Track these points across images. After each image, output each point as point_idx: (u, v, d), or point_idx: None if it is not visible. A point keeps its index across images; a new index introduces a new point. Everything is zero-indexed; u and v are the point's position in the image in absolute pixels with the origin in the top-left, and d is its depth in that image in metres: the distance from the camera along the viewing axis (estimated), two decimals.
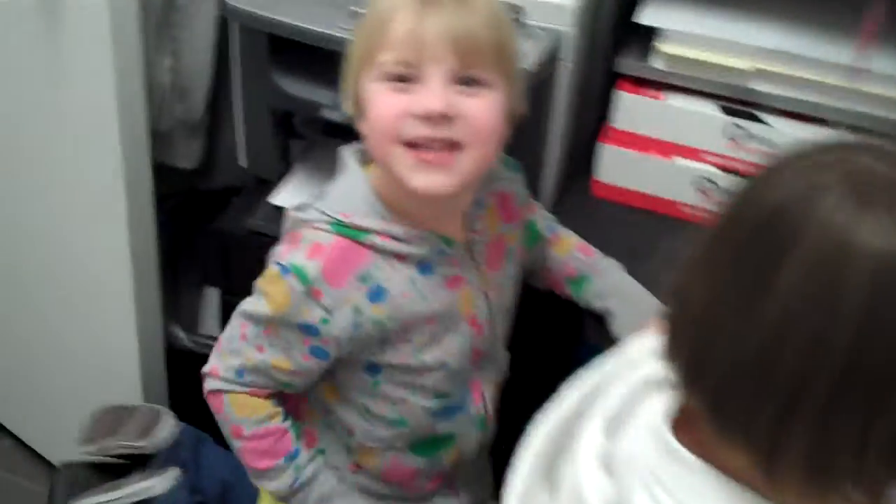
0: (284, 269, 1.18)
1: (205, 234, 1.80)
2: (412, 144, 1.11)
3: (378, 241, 1.18)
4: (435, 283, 1.23)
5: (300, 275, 1.17)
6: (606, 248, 1.52)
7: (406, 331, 1.22)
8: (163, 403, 1.88)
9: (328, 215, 1.18)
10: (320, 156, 1.76)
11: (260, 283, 1.24)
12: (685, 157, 1.64)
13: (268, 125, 1.71)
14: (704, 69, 1.59)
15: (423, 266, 1.22)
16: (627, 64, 1.64)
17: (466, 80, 1.11)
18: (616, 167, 1.68)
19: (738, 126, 1.59)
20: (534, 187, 1.61)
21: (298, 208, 1.25)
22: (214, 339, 1.32)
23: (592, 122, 1.71)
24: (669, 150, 1.64)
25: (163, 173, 1.83)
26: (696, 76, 1.60)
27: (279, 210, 1.63)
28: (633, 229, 1.64)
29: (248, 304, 1.24)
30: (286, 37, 1.53)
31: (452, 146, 1.11)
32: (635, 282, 1.46)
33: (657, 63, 1.62)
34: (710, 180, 1.63)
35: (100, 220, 1.74)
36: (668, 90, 1.64)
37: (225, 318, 1.34)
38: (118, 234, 1.75)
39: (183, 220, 2.13)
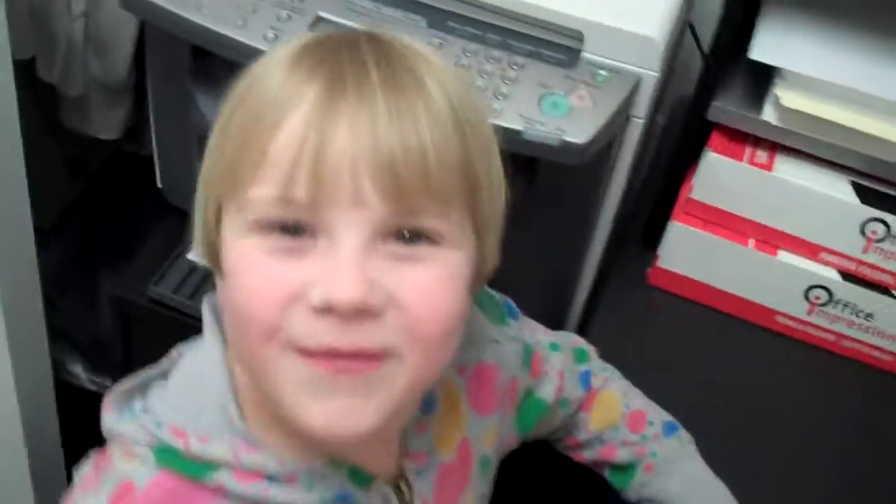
0: None
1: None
2: (308, 352, 0.64)
3: (233, 481, 0.70)
4: None
5: None
6: (658, 366, 1.10)
7: None
8: (54, 449, 1.56)
9: (150, 431, 0.70)
10: None
11: None
12: (794, 251, 1.17)
13: (188, 147, 1.18)
14: (838, 132, 1.09)
15: None
16: (725, 113, 1.10)
17: (405, 235, 0.64)
18: (688, 253, 1.19)
19: (876, 219, 1.11)
20: (573, 273, 1.11)
21: (117, 400, 0.74)
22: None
23: (660, 186, 1.19)
24: (772, 238, 1.16)
25: (74, 136, 1.55)
26: (825, 140, 1.11)
27: (198, 270, 1.16)
28: (703, 339, 1.20)
29: None
30: (208, 49, 1.00)
31: (378, 354, 0.64)
32: (713, 480, 0.97)
33: (770, 116, 1.09)
34: (825, 288, 1.12)
35: None
36: (780, 154, 1.13)
37: None
38: None
39: (106, 191, 1.76)
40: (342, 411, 0.64)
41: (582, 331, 1.19)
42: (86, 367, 1.70)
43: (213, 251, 0.69)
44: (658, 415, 0.99)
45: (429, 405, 0.80)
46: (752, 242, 1.15)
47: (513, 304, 0.91)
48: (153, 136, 1.23)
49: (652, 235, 1.23)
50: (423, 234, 0.63)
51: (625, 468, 0.98)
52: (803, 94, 1.07)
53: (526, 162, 1.05)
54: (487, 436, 0.86)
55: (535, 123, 0.95)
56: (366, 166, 0.60)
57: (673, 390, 1.09)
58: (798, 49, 1.09)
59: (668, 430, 0.98)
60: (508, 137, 0.93)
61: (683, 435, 0.99)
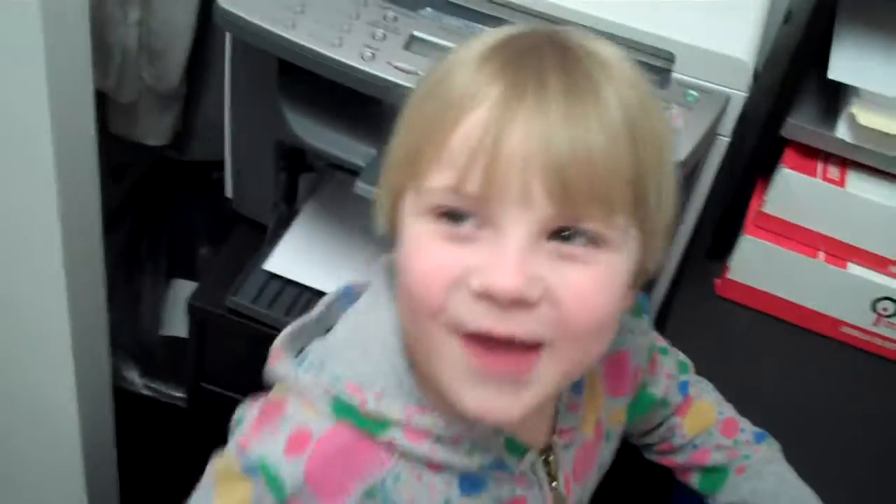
0: (249, 467, 0.74)
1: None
2: (468, 335, 0.68)
3: (403, 439, 0.74)
4: None
5: (271, 481, 0.73)
6: (726, 374, 1.10)
7: None
8: (108, 454, 1.60)
9: (334, 382, 0.75)
10: (338, 195, 1.27)
11: (214, 470, 0.77)
12: (864, 264, 1.19)
13: (267, 160, 1.20)
14: None
15: (470, 482, 0.77)
16: (800, 129, 1.13)
17: (569, 235, 0.67)
18: (758, 264, 1.22)
19: None
20: (651, 285, 1.16)
21: (290, 342, 0.79)
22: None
23: (729, 200, 1.21)
24: (841, 251, 1.18)
25: (119, 142, 1.56)
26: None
27: (275, 279, 1.17)
28: (769, 348, 1.23)
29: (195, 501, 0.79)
30: (304, 66, 1.02)
31: (531, 346, 0.67)
32: (802, 484, 1.00)
33: (843, 133, 1.11)
34: (893, 300, 1.15)
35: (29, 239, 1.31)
36: (853, 171, 1.15)
37: None
38: (52, 256, 1.30)
39: (149, 197, 1.83)
40: (495, 401, 0.68)
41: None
42: (141, 373, 1.71)
43: (393, 226, 0.73)
44: (749, 425, 1.02)
45: (579, 386, 0.85)
46: (822, 255, 1.18)
47: (647, 303, 0.94)
48: (227, 147, 1.24)
49: (719, 247, 1.25)
50: (585, 235, 0.66)
51: (716, 471, 1.00)
52: (877, 111, 1.10)
53: None
54: (614, 415, 0.91)
55: None
56: (536, 168, 0.63)
57: (740, 397, 1.12)
58: (872, 68, 1.12)
59: (759, 437, 1.01)
60: None
61: (773, 442, 1.01)
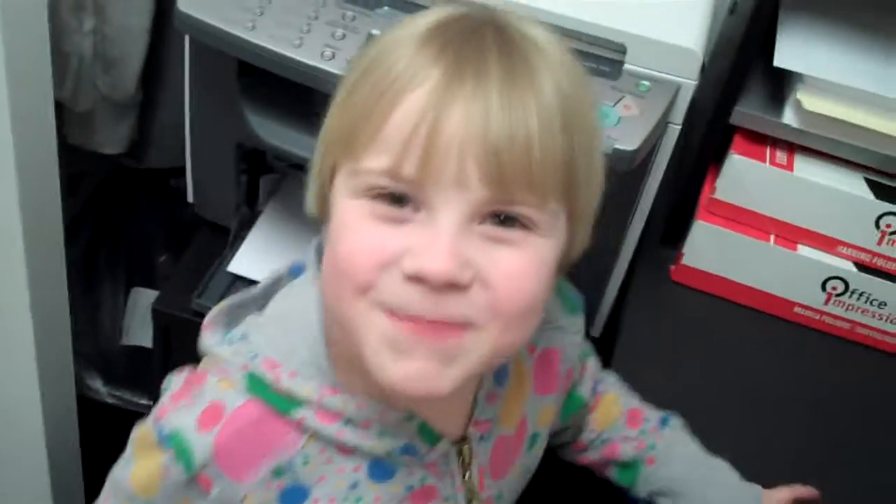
0: (162, 437, 0.75)
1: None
2: (392, 312, 0.68)
3: (314, 419, 0.75)
4: (390, 495, 0.79)
5: (182, 452, 0.74)
6: (683, 358, 1.18)
7: None
8: (74, 462, 1.59)
9: (247, 360, 0.76)
10: (299, 195, 1.27)
11: (135, 437, 0.79)
12: (813, 245, 1.22)
13: (228, 162, 1.21)
14: (854, 132, 1.15)
15: (379, 468, 0.78)
16: (748, 117, 1.16)
17: (502, 218, 0.68)
18: (711, 249, 1.25)
19: (890, 212, 1.17)
20: (606, 267, 1.18)
21: (226, 316, 0.82)
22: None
23: (681, 187, 1.24)
24: (791, 234, 1.22)
25: (75, 152, 1.55)
26: (842, 140, 1.17)
27: (239, 280, 1.19)
28: (724, 331, 1.26)
29: (117, 468, 0.81)
30: (264, 67, 1.03)
31: (459, 324, 0.68)
32: (711, 458, 1.02)
33: (790, 119, 1.15)
34: (842, 279, 1.19)
35: None
36: (800, 155, 1.19)
37: None
38: (14, 266, 1.31)
39: (105, 206, 1.83)
40: (420, 373, 0.67)
41: (611, 326, 1.24)
42: (105, 381, 1.71)
43: (323, 203, 0.73)
44: (652, 412, 1.03)
45: (502, 378, 0.85)
46: (772, 238, 1.21)
47: (582, 302, 0.95)
48: (188, 151, 1.25)
49: (673, 234, 1.28)
50: (518, 219, 0.67)
51: (629, 465, 1.01)
52: (823, 97, 1.13)
53: None
54: (542, 415, 0.91)
55: None
56: (473, 152, 0.64)
57: (697, 380, 1.16)
58: (816, 55, 1.15)
59: (663, 422, 1.03)
60: None
61: (676, 422, 1.03)
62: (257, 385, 0.75)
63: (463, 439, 0.82)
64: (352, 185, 0.68)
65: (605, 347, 1.17)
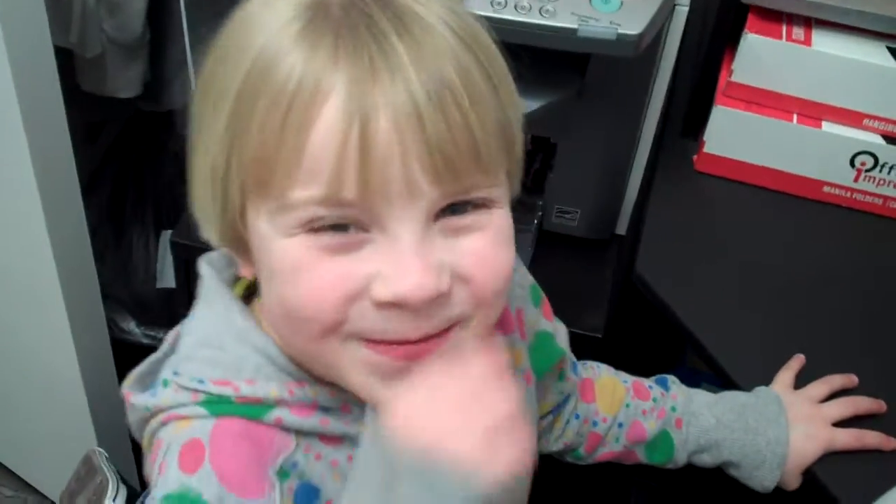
0: None
1: None
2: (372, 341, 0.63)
3: (290, 416, 0.68)
4: None
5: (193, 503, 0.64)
6: (712, 250, 1.13)
7: None
8: (113, 403, 1.50)
9: (192, 388, 0.67)
10: None
11: None
12: (837, 120, 1.18)
13: None
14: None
15: None
16: None
17: (456, 208, 0.62)
18: (733, 134, 1.21)
19: None
20: (625, 163, 1.14)
21: (139, 384, 0.71)
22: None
23: (701, 72, 1.20)
24: (815, 111, 1.18)
25: (92, 100, 1.55)
26: (859, 9, 1.13)
27: None
28: (752, 218, 1.21)
29: None
30: None
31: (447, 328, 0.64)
32: (727, 395, 0.98)
33: None
34: (870, 154, 1.15)
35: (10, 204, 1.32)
36: (817, 29, 1.15)
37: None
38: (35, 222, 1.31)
39: (128, 152, 1.85)
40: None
41: (637, 224, 1.22)
42: (138, 322, 1.72)
43: (237, 238, 0.65)
44: (645, 379, 0.99)
45: None
46: (795, 118, 1.17)
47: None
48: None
49: (693, 123, 1.25)
50: (472, 203, 0.62)
51: (658, 439, 0.96)
52: None
53: (575, 62, 1.07)
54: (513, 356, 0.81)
55: (589, 20, 0.96)
56: (414, 153, 0.57)
57: (728, 271, 1.13)
58: None
59: (663, 383, 0.98)
60: (563, 37, 0.95)
61: (672, 378, 0.99)
62: (218, 405, 0.67)
63: None
64: (281, 224, 0.60)
65: (631, 245, 1.14)
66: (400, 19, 0.58)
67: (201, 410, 0.67)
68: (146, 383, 0.71)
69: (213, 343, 0.69)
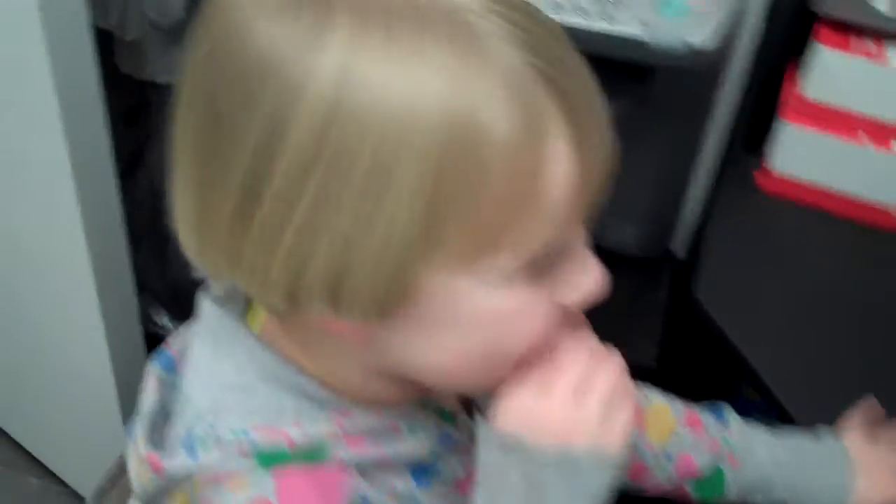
0: None
1: None
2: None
3: (348, 451, 0.64)
4: (440, 496, 0.70)
5: None
6: (777, 272, 1.08)
7: None
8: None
9: (235, 441, 0.62)
10: None
11: None
12: None
13: None
14: None
15: (422, 471, 0.69)
16: (832, 3, 1.06)
17: None
18: (800, 154, 1.16)
19: None
20: (684, 178, 1.09)
21: (151, 441, 0.65)
22: None
23: (765, 84, 1.15)
24: (888, 133, 1.11)
25: (132, 83, 1.58)
26: None
27: None
28: (817, 242, 1.17)
29: None
30: None
31: None
32: (787, 437, 0.92)
33: (881, 4, 1.04)
34: None
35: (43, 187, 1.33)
36: (890, 43, 1.10)
37: None
38: (69, 208, 1.31)
39: (167, 140, 1.69)
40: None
41: (696, 244, 1.16)
42: (172, 317, 1.69)
43: (397, 289, 0.55)
44: (697, 407, 0.93)
45: None
46: (866, 139, 1.12)
47: None
48: None
49: (756, 137, 1.19)
50: None
51: (709, 475, 0.90)
52: None
53: (639, 72, 1.02)
54: None
55: (656, 29, 0.91)
56: (606, 168, 0.57)
57: (791, 298, 1.07)
58: None
59: (719, 416, 0.93)
60: (629, 46, 0.90)
61: (728, 408, 0.93)
62: (272, 458, 0.62)
63: (466, 406, 0.74)
64: (493, 272, 0.55)
65: (689, 266, 1.09)
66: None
67: (256, 467, 0.62)
68: (156, 442, 0.65)
69: (240, 389, 0.64)
